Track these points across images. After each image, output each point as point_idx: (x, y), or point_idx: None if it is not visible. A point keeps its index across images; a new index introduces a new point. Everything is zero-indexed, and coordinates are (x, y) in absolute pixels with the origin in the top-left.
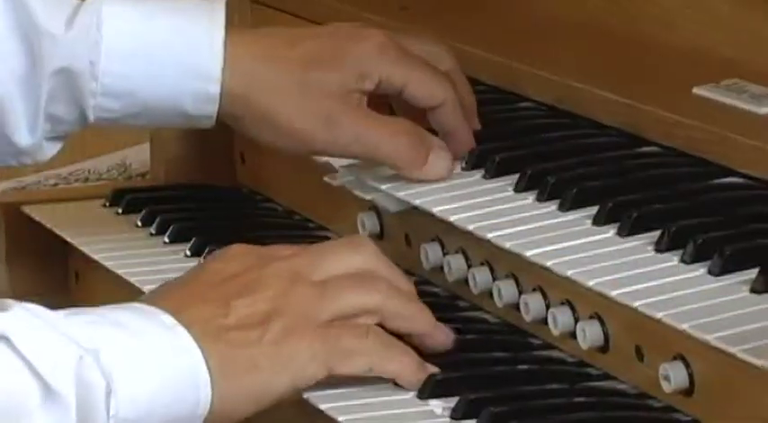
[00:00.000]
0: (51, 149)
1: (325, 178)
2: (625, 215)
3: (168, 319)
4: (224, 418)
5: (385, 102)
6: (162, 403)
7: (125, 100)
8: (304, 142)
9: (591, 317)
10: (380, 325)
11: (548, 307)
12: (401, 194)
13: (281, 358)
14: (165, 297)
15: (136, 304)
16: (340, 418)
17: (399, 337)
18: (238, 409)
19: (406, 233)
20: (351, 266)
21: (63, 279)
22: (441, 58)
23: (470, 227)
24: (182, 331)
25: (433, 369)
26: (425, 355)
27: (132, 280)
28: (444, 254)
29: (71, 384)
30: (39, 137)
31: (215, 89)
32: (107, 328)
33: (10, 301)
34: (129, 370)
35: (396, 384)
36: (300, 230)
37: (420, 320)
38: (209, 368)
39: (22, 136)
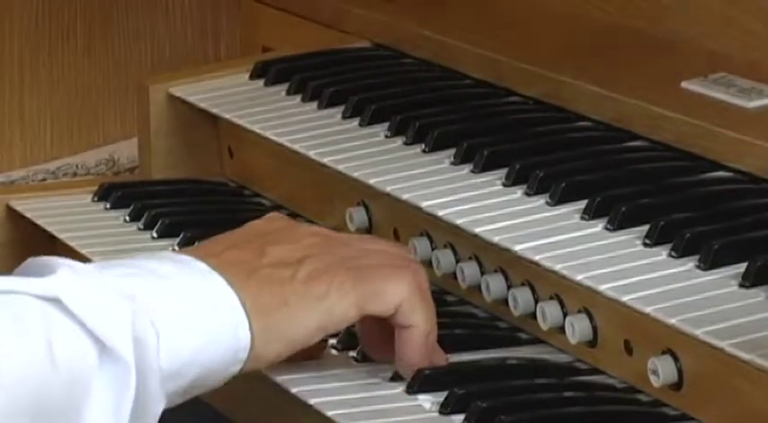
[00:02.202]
0: None
1: None
2: (613, 209)
3: (202, 265)
4: (259, 360)
5: None
6: (202, 352)
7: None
8: None
9: (579, 311)
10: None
11: (536, 301)
12: (389, 188)
13: (311, 296)
14: (198, 247)
15: (166, 252)
16: (329, 413)
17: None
18: (271, 349)
19: (394, 227)
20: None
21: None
22: None
23: (459, 221)
24: (216, 277)
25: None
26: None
27: None
28: (433, 248)
29: (129, 343)
30: None
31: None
32: (143, 279)
33: (52, 260)
34: (168, 321)
35: (391, 379)
36: None
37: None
38: (245, 311)
39: None
